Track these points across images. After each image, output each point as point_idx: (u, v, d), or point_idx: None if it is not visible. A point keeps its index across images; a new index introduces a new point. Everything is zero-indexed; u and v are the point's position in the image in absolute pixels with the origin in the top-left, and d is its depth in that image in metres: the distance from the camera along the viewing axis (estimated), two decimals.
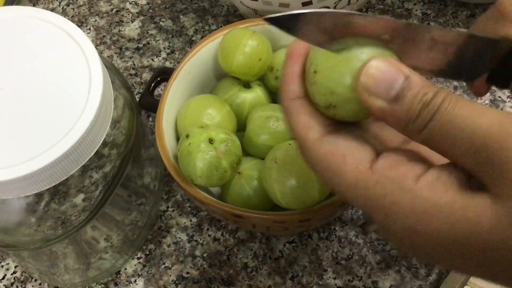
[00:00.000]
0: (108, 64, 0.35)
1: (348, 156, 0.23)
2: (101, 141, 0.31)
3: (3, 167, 0.28)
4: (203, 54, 0.43)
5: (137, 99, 0.45)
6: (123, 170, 0.35)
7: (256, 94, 0.42)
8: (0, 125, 0.29)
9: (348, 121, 0.24)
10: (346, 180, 0.23)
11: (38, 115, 0.30)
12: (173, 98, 0.41)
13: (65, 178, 0.30)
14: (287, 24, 0.23)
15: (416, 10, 0.55)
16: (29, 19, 0.33)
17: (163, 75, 0.45)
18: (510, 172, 0.20)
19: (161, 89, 0.49)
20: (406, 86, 0.22)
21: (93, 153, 0.30)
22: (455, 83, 0.50)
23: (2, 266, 0.44)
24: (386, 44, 0.23)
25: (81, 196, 0.33)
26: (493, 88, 0.52)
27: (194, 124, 0.39)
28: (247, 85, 0.43)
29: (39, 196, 0.32)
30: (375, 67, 0.22)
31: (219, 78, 0.45)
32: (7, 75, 0.31)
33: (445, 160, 0.22)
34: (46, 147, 0.28)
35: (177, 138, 0.41)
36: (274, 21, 0.22)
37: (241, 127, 0.42)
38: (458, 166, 0.22)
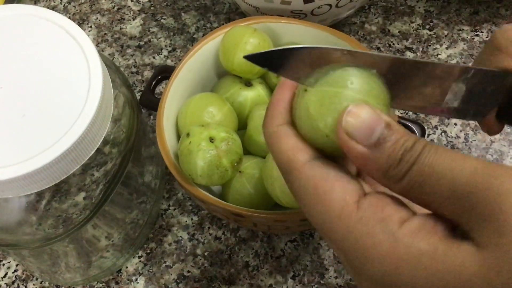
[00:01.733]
0: (108, 63, 0.35)
1: (338, 184, 0.22)
2: (101, 140, 0.31)
3: (4, 166, 0.28)
4: (204, 52, 0.43)
5: (138, 97, 0.45)
6: (124, 169, 0.35)
7: (257, 92, 0.42)
8: None
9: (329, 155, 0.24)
10: (331, 208, 0.22)
11: (38, 114, 0.29)
12: (174, 97, 0.41)
13: (65, 176, 0.30)
14: (266, 62, 0.22)
15: (419, 8, 0.55)
16: (28, 18, 0.32)
17: (164, 73, 0.45)
18: (493, 221, 0.19)
19: (162, 87, 0.49)
20: (387, 132, 0.21)
21: (93, 152, 0.30)
22: None
23: (4, 265, 0.44)
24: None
25: (82, 194, 0.33)
26: None
27: (195, 123, 0.39)
28: (248, 83, 0.42)
29: (40, 195, 0.32)
30: (355, 113, 0.21)
31: (220, 76, 0.45)
32: (7, 74, 0.31)
33: (426, 211, 0.22)
34: (46, 146, 0.28)
35: (178, 137, 0.41)
36: (253, 59, 0.22)
37: (242, 126, 0.42)
38: (441, 216, 0.21)
